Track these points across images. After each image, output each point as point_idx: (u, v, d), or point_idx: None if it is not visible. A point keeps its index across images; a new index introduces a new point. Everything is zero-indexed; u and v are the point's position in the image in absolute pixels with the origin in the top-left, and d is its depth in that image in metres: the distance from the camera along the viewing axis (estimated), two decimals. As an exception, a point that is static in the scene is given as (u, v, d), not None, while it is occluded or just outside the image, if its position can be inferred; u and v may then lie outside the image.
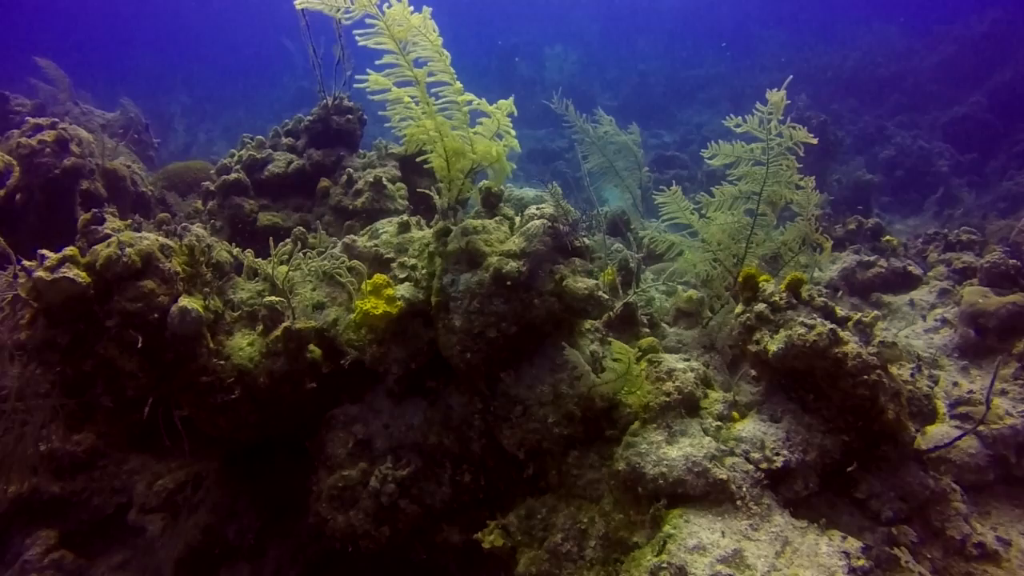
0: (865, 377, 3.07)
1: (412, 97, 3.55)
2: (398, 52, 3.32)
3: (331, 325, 3.89)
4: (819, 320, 3.32)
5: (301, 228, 4.78)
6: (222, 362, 3.57)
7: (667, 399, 3.34)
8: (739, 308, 3.72)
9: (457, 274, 3.51)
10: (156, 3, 43.60)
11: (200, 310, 3.33)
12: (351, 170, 5.53)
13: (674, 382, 3.41)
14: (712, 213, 4.25)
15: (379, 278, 3.67)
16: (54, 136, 4.91)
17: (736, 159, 4.10)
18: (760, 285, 3.59)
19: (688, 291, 4.81)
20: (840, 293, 5.84)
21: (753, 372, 3.74)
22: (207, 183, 5.77)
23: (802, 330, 3.26)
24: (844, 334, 3.25)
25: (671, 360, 3.64)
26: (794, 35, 26.82)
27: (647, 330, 4.19)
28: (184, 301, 3.28)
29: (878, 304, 5.66)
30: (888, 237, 6.31)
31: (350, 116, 6.00)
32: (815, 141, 3.93)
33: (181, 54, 33.56)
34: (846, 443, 3.19)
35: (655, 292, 5.11)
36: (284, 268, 3.85)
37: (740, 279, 3.70)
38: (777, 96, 3.78)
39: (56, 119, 5.34)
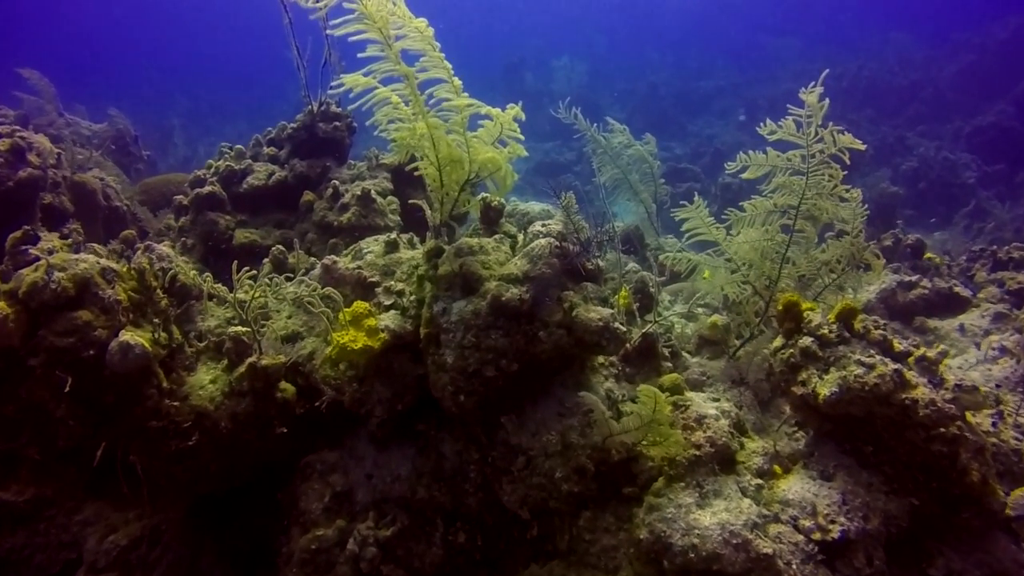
0: (943, 430, 2.54)
1: (401, 96, 3.08)
2: (383, 42, 2.85)
3: (307, 359, 3.39)
4: (879, 358, 2.78)
5: (280, 247, 4.28)
6: (176, 403, 3.08)
7: (697, 452, 2.82)
8: (778, 341, 3.19)
9: (449, 302, 3.02)
10: (157, 15, 43.64)
11: (146, 344, 2.83)
12: (337, 182, 5.03)
13: (705, 432, 2.89)
14: (743, 229, 3.73)
15: (359, 306, 3.17)
16: (8, 145, 4.45)
17: (771, 169, 3.59)
18: (805, 315, 3.06)
19: (712, 316, 4.27)
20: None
21: (792, 414, 3.20)
22: (180, 197, 5.29)
23: (859, 370, 2.74)
24: (910, 375, 2.72)
25: (699, 403, 3.11)
26: (807, 45, 26.31)
27: (668, 364, 3.66)
28: (127, 335, 2.78)
29: (922, 329, 5.10)
30: (929, 254, 5.75)
31: (338, 123, 5.50)
32: (863, 147, 3.46)
33: (183, 67, 33.35)
34: (915, 507, 2.66)
35: (674, 317, 4.57)
36: (253, 293, 3.35)
37: (780, 307, 3.17)
38: (813, 96, 3.28)
39: (17, 127, 4.92)
